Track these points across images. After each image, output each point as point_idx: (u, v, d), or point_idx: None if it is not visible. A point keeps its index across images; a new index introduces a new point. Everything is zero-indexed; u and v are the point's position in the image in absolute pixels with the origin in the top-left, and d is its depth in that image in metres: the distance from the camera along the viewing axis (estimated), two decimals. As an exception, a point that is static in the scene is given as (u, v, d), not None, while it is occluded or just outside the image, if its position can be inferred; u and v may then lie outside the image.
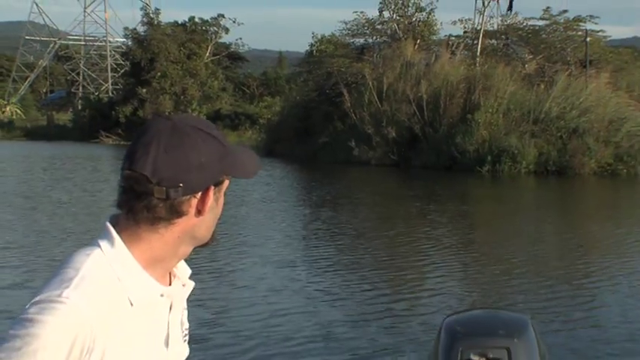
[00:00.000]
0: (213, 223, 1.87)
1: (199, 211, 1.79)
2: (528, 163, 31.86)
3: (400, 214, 19.63)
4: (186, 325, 2.04)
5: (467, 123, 33.14)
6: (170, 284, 1.92)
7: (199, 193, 1.78)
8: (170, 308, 1.91)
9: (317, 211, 19.59)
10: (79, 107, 77.59)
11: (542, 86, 35.44)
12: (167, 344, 1.90)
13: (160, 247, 1.81)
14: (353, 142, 36.16)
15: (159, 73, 62.69)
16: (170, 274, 1.92)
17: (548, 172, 31.76)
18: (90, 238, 1.80)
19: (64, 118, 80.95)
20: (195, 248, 1.89)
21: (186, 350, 2.01)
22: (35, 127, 75.69)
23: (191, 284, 1.97)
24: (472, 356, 2.80)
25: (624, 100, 34.35)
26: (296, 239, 15.47)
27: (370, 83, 37.33)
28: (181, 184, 1.74)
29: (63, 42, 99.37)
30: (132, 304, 1.78)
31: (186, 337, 2.02)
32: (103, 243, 1.79)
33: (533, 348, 2.89)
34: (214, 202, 1.83)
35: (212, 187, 1.80)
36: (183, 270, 1.96)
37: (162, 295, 1.86)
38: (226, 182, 1.86)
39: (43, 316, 1.64)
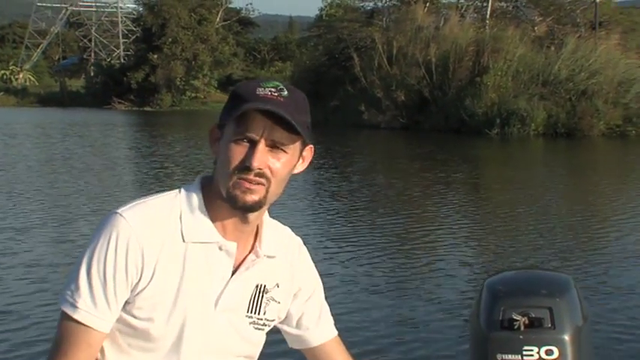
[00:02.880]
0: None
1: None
2: (537, 126, 31.90)
3: (421, 177, 19.74)
4: (270, 316, 2.06)
5: (476, 86, 33.16)
6: (250, 253, 1.99)
7: None
8: (233, 272, 1.97)
9: (342, 176, 19.67)
10: (92, 74, 77.76)
11: (552, 48, 35.36)
12: (216, 304, 1.95)
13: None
14: (363, 106, 36.28)
15: (170, 39, 62.66)
16: (255, 246, 2.01)
17: (557, 134, 31.82)
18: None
19: (76, 84, 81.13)
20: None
21: (255, 337, 2.05)
22: (48, 93, 75.90)
23: (263, 260, 2.00)
24: (514, 315, 2.76)
25: (634, 62, 34.24)
26: (318, 208, 15.24)
27: (380, 47, 37.32)
28: None
29: (74, 8, 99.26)
30: (184, 240, 1.92)
31: (263, 327, 2.05)
32: (185, 186, 1.99)
33: (576, 308, 2.85)
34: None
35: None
36: (268, 247, 2.02)
37: (221, 249, 1.94)
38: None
39: (100, 227, 1.91)
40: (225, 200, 1.90)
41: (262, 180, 1.87)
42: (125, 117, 52.15)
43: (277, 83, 1.90)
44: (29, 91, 78.47)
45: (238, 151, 1.85)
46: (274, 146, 1.87)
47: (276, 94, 1.87)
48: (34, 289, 8.61)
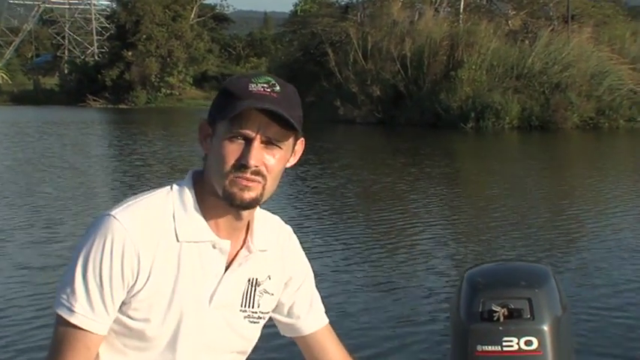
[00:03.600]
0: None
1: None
2: (512, 119, 32.10)
3: (400, 171, 19.72)
4: (264, 308, 2.06)
5: (450, 80, 33.32)
6: (242, 248, 1.99)
7: None
8: (226, 269, 1.97)
9: (322, 172, 19.57)
10: (66, 71, 77.12)
11: (527, 42, 35.58)
12: (210, 301, 1.95)
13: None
14: (338, 102, 36.33)
15: (144, 36, 62.37)
16: (247, 241, 2.00)
17: (531, 127, 32.01)
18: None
19: (50, 82, 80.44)
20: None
21: (250, 331, 2.05)
22: (22, 91, 75.20)
23: (256, 254, 2.00)
24: (493, 307, 2.79)
25: (606, 54, 34.52)
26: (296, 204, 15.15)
27: (355, 42, 37.35)
28: None
29: (47, 5, 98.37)
30: (178, 240, 1.90)
31: (258, 320, 2.05)
32: (177, 183, 1.97)
33: (555, 298, 2.88)
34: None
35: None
36: (260, 242, 2.02)
37: (214, 247, 1.93)
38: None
39: (94, 229, 1.88)
40: (219, 198, 1.89)
41: (259, 178, 1.86)
42: (101, 115, 51.79)
43: (269, 78, 1.89)
44: (2, 90, 77.64)
45: (233, 149, 1.85)
46: (269, 143, 1.86)
47: (269, 89, 1.86)
48: (20, 291, 8.50)
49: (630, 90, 33.35)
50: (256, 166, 1.85)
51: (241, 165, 1.84)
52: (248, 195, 1.87)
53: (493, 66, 33.44)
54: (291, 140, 1.92)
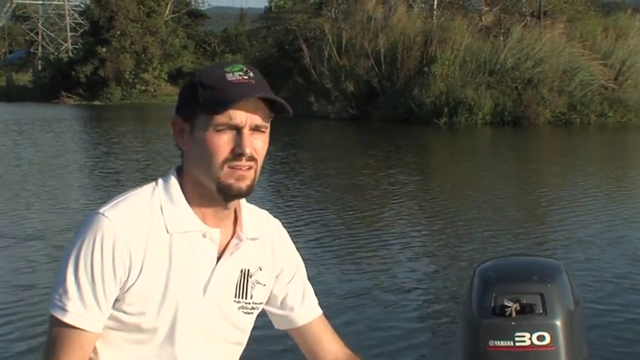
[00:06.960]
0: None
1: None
2: (484, 114, 32.18)
3: (387, 168, 19.64)
4: (257, 299, 2.09)
5: (424, 76, 33.35)
6: (232, 237, 2.03)
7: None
8: (218, 259, 2.00)
9: (305, 170, 19.62)
10: (39, 67, 76.59)
11: (501, 38, 35.76)
12: (205, 291, 1.97)
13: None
14: (312, 97, 36.36)
15: (118, 32, 62.11)
16: (237, 231, 2.04)
17: (504, 122, 32.12)
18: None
19: (24, 78, 79.90)
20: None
21: (244, 322, 2.08)
22: (-6, 88, 74.76)
23: (246, 243, 2.03)
24: (506, 302, 2.77)
25: (578, 50, 34.72)
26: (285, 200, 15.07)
27: (329, 38, 37.40)
28: None
29: (20, 1, 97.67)
30: (168, 232, 1.92)
31: (252, 311, 2.08)
32: (162, 178, 2.00)
33: (567, 293, 2.87)
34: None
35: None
36: (249, 230, 2.05)
37: (204, 236, 1.96)
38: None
39: (83, 228, 1.90)
40: (207, 190, 1.94)
41: (252, 163, 1.91)
42: (78, 111, 51.24)
43: (241, 66, 1.92)
44: (-25, 86, 77.12)
45: (224, 140, 1.88)
46: (256, 128, 1.91)
47: (246, 77, 1.90)
48: (18, 294, 8.37)
49: (601, 85, 33.58)
50: (251, 153, 1.90)
51: (238, 154, 1.88)
52: (244, 184, 1.91)
53: (466, 62, 33.51)
54: (269, 122, 1.98)
